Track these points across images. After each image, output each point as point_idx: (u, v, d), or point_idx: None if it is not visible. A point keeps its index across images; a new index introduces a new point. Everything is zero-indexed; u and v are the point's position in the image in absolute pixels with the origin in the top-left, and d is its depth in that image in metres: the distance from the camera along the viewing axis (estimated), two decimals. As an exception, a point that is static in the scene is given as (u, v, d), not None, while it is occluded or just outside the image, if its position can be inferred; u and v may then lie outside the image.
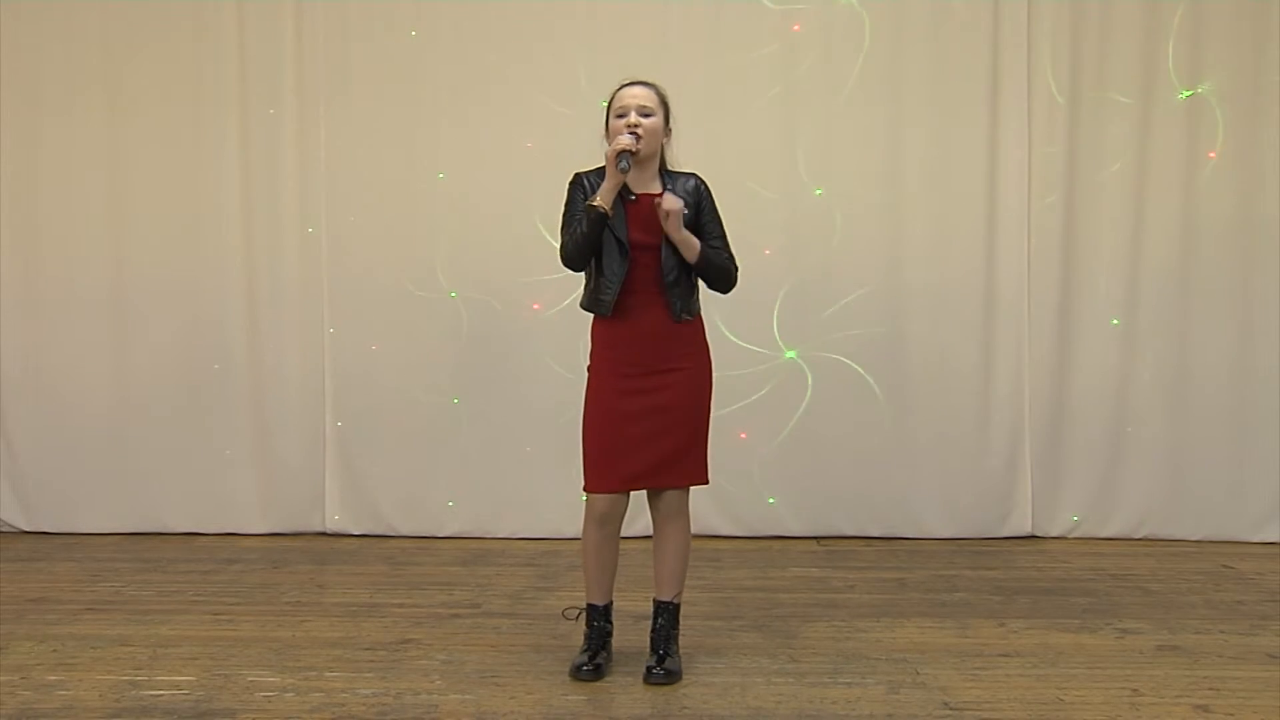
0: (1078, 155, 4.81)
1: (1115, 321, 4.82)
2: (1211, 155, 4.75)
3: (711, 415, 3.23)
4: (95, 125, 5.00)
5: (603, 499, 3.11)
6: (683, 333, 3.12)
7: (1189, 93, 4.75)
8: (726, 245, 3.19)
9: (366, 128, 4.93)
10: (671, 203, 3.00)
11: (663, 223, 3.02)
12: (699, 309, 3.17)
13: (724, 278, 3.17)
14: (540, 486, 4.88)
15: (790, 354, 4.88)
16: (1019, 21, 4.78)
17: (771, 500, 4.90)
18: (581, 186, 3.13)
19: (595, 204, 3.00)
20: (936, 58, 4.81)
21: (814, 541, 4.86)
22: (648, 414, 3.08)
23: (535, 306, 4.89)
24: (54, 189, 5.03)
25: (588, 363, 3.19)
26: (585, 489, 3.15)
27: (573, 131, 4.50)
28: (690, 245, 3.06)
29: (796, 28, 4.82)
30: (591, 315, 3.17)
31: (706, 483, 3.20)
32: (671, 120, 3.16)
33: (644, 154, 3.05)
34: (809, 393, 4.87)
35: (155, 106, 4.98)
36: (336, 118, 4.95)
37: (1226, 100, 4.74)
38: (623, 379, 3.10)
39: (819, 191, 4.83)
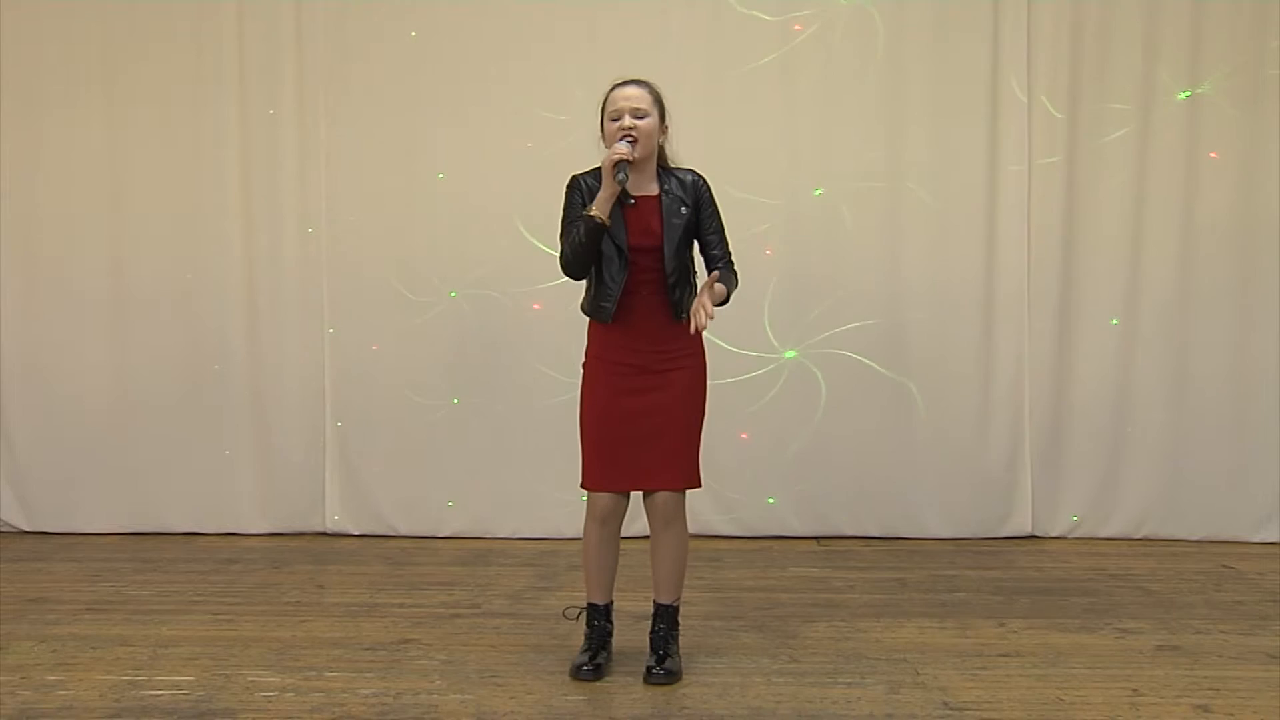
0: (1077, 155, 4.80)
1: (1115, 321, 4.82)
2: (1212, 155, 4.75)
3: (712, 416, 3.22)
4: (95, 124, 4.99)
5: (604, 496, 3.11)
6: (680, 334, 3.11)
7: (1188, 93, 4.74)
8: (724, 240, 3.18)
9: (366, 127, 4.92)
10: (703, 317, 2.93)
11: (701, 308, 2.94)
12: None
13: (730, 294, 3.14)
14: (540, 486, 4.87)
15: (791, 354, 4.88)
16: (1019, 22, 4.78)
17: (771, 500, 4.90)
18: (579, 189, 3.11)
19: (592, 214, 2.98)
20: (937, 58, 4.79)
21: (814, 541, 4.86)
22: (643, 414, 3.07)
23: (535, 306, 4.89)
24: (54, 188, 5.02)
25: (583, 359, 3.19)
26: (583, 486, 3.15)
27: (573, 132, 4.51)
28: (723, 296, 3.06)
29: (797, 28, 4.82)
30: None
31: (699, 485, 3.17)
32: (668, 117, 3.14)
33: (641, 156, 3.04)
34: (810, 393, 4.87)
35: (155, 106, 4.96)
36: (336, 118, 4.94)
37: (1226, 100, 4.73)
38: (619, 378, 3.09)
39: (818, 192, 4.83)
